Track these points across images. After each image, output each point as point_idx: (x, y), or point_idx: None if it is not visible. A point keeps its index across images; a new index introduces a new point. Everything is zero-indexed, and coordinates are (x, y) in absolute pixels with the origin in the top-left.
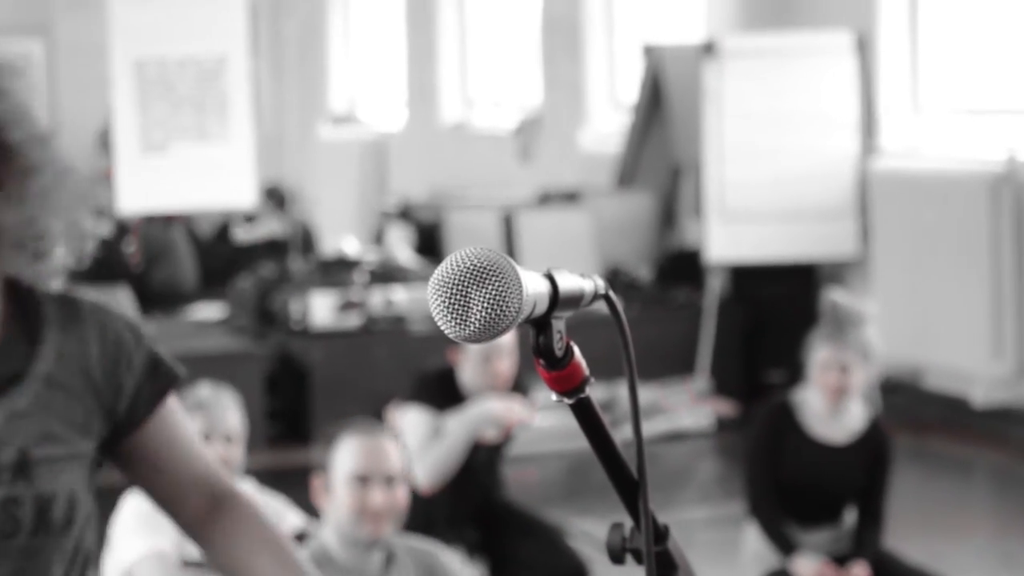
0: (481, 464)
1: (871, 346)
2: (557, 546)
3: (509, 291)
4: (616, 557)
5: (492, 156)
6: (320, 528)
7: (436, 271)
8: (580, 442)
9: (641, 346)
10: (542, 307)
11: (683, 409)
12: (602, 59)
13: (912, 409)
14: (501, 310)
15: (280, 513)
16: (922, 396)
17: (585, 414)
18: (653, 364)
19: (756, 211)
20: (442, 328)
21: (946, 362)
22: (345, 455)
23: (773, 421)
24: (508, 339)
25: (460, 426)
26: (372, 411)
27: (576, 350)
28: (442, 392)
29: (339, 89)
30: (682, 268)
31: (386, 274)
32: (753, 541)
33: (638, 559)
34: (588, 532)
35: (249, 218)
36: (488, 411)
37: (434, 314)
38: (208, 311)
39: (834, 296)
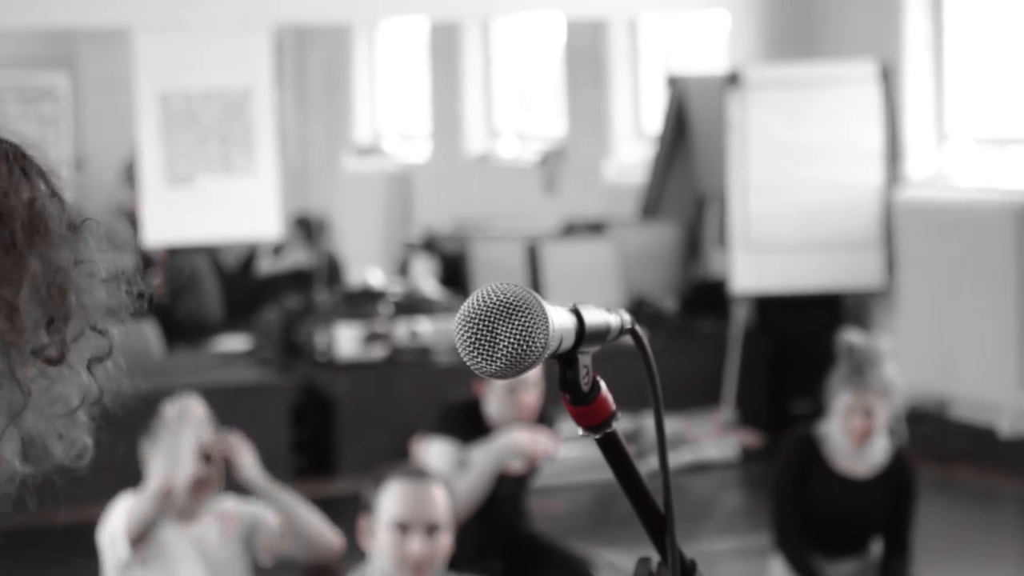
0: (506, 496)
1: (892, 382)
2: None
3: (536, 327)
4: None
5: (517, 187)
6: (365, 567)
7: (463, 306)
8: (605, 473)
9: (666, 377)
10: (568, 342)
11: (708, 440)
12: (626, 90)
13: (938, 439)
14: (528, 346)
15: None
16: (948, 426)
17: (611, 449)
18: (678, 395)
19: (781, 241)
20: (469, 363)
21: (972, 392)
22: (390, 500)
23: (798, 455)
24: (534, 371)
25: (485, 458)
26: (397, 443)
27: (603, 385)
28: (467, 424)
29: (364, 121)
30: (707, 299)
31: (411, 305)
32: (779, 573)
33: None
34: (614, 563)
35: (277, 249)
36: (513, 442)
37: (460, 349)
38: (233, 343)
39: (849, 337)
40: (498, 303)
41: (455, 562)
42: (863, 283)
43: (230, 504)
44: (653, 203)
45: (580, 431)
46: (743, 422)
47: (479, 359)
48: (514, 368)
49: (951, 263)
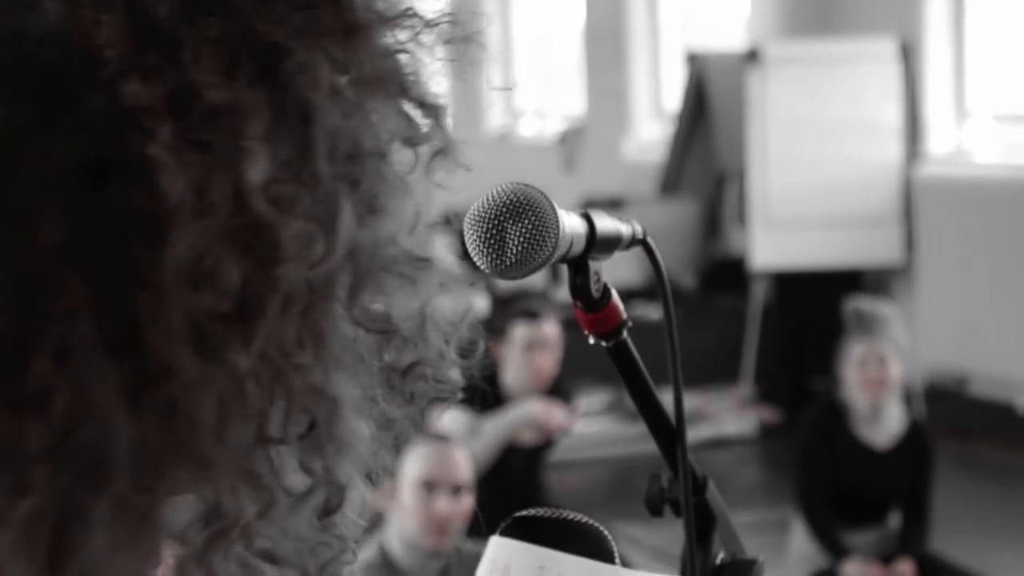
0: (522, 469)
1: (902, 342)
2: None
3: (546, 226)
4: (654, 508)
5: (536, 165)
6: (383, 532)
7: (472, 206)
8: (623, 448)
9: (685, 353)
10: (579, 247)
11: (726, 416)
12: (645, 68)
13: (958, 416)
14: (537, 245)
15: None
16: (968, 403)
17: (623, 358)
18: (697, 371)
19: (800, 218)
20: (478, 264)
21: (992, 369)
22: (415, 461)
23: (823, 421)
24: (551, 332)
25: (496, 426)
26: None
27: (614, 293)
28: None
29: None
30: (726, 276)
31: None
32: (799, 542)
33: (676, 510)
34: (632, 537)
35: None
36: (526, 413)
37: (470, 249)
38: None
39: (855, 304)
40: (507, 202)
41: (470, 534)
42: (882, 259)
43: None
44: (672, 180)
45: (592, 339)
46: (761, 398)
47: (488, 258)
48: (523, 266)
49: (971, 240)
